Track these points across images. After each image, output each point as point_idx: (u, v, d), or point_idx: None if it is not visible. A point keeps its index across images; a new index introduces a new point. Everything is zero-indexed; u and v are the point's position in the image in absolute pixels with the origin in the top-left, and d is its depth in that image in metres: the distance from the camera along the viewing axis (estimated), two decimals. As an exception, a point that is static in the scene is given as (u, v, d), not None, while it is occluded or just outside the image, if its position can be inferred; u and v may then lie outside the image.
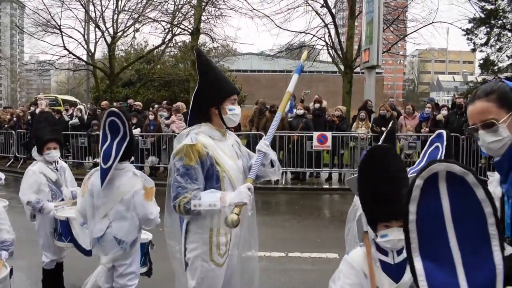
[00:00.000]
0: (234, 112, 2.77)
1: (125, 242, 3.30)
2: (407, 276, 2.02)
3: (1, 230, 3.38)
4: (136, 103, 13.92)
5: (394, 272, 2.08)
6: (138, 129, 11.73)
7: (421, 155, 2.95)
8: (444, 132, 2.76)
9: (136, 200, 3.28)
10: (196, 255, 2.64)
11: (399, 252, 2.10)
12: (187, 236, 2.68)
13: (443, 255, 1.19)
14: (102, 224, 3.30)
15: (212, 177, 2.63)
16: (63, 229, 4.00)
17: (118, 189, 3.29)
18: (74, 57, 22.51)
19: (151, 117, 11.85)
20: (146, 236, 3.84)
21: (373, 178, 2.10)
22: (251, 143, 10.81)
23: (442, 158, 2.61)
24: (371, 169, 2.12)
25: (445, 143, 2.70)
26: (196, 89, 2.76)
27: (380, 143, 2.96)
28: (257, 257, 2.94)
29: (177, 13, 20.41)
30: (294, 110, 11.31)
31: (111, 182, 3.29)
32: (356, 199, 3.18)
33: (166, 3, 20.40)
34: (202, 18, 19.71)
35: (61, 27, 21.00)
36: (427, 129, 10.25)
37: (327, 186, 10.95)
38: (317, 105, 11.48)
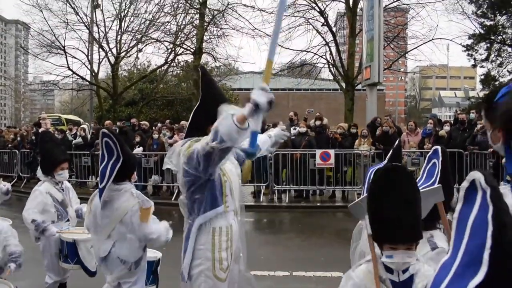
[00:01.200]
0: None
1: (128, 262, 3.30)
2: None
3: (9, 245, 3.40)
4: (143, 122, 13.93)
5: None
6: (141, 148, 11.76)
7: (421, 173, 2.97)
8: (439, 148, 2.82)
9: (134, 222, 3.28)
10: (199, 271, 2.67)
11: (404, 271, 2.06)
12: (192, 251, 2.70)
13: (452, 259, 1.21)
14: (106, 244, 3.31)
15: (216, 180, 2.68)
16: (69, 251, 3.98)
17: (117, 210, 3.31)
18: (78, 77, 22.78)
19: (155, 136, 11.90)
20: (155, 254, 3.82)
21: (385, 201, 2.02)
22: (254, 163, 10.78)
23: (439, 173, 2.64)
24: (385, 190, 2.04)
25: (440, 158, 2.73)
26: (197, 105, 2.81)
27: (385, 161, 2.99)
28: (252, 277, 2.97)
29: (180, 33, 20.67)
30: (292, 131, 11.32)
31: (111, 203, 3.31)
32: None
33: (169, 24, 20.72)
34: (204, 38, 19.97)
35: (65, 47, 21.36)
36: (430, 145, 10.24)
37: (330, 204, 10.89)
38: (318, 122, 11.52)
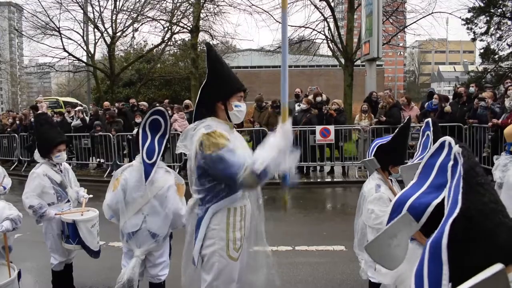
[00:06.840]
0: (240, 109, 2.76)
1: (159, 236, 3.44)
2: None
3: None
4: (142, 103, 13.80)
5: None
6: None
7: (417, 147, 3.01)
8: (429, 120, 2.90)
9: (169, 195, 3.43)
10: (213, 250, 2.66)
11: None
12: (204, 232, 2.68)
13: (418, 187, 1.52)
14: (136, 219, 3.41)
15: None
16: (70, 232, 4.00)
17: (153, 184, 3.40)
18: (74, 59, 22.51)
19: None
20: None
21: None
22: (253, 139, 10.80)
23: (432, 144, 2.71)
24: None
25: (431, 129, 2.79)
26: (204, 83, 2.72)
27: (392, 136, 3.28)
28: (268, 251, 2.99)
29: (176, 11, 20.38)
30: (301, 104, 11.32)
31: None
32: (364, 191, 3.26)
33: (165, 2, 20.40)
34: (201, 15, 19.69)
35: (60, 29, 21.02)
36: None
37: (330, 180, 10.95)
38: (317, 98, 11.48)
